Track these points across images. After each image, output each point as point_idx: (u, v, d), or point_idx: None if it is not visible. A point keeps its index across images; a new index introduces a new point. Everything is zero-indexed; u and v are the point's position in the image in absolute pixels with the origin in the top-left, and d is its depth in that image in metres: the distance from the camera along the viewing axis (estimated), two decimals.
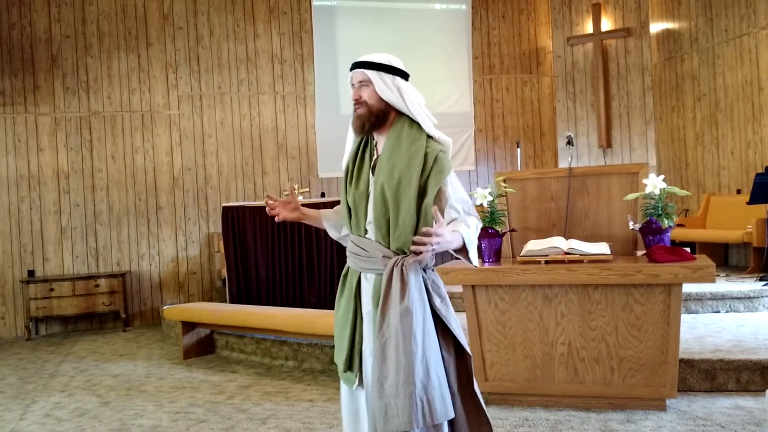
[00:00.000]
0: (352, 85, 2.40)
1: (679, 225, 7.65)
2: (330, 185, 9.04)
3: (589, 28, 9.36)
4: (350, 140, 2.51)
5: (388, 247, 2.32)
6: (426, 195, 2.28)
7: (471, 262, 2.35)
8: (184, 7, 8.68)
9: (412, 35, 9.23)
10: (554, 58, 9.59)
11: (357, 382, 2.39)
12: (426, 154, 2.30)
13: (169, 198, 8.58)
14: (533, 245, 4.10)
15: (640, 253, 4.15)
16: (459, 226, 2.27)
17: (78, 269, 8.25)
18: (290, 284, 6.51)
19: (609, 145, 9.23)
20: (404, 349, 2.16)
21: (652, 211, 3.89)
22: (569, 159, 4.72)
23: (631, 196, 4.06)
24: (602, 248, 3.97)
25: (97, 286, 7.91)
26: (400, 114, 2.38)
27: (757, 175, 6.48)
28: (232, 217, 6.72)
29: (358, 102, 2.36)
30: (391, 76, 2.37)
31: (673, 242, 4.27)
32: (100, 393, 5.21)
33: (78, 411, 4.73)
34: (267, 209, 2.60)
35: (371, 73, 2.35)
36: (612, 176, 4.36)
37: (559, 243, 3.99)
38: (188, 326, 6.23)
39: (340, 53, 9.11)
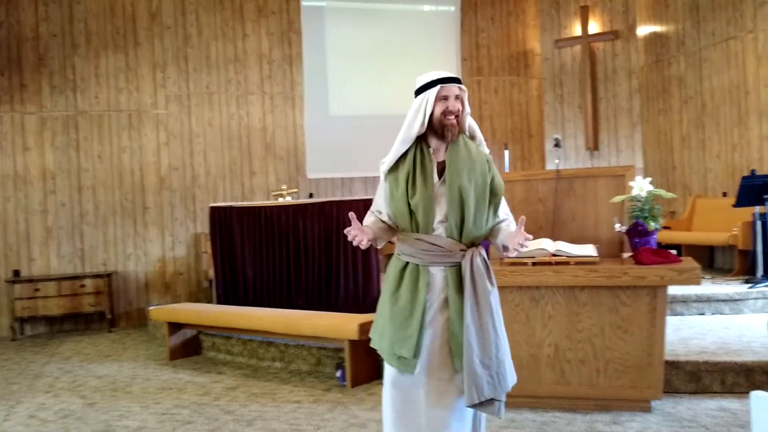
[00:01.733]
0: (445, 97, 2.61)
1: (665, 227, 7.68)
2: (318, 186, 9.03)
3: (577, 30, 9.40)
4: (398, 148, 2.63)
5: (460, 241, 2.57)
6: (496, 195, 2.62)
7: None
8: (172, 7, 8.64)
9: (401, 36, 9.22)
10: (542, 60, 9.63)
11: (417, 367, 2.57)
12: (488, 161, 2.65)
13: (156, 198, 8.54)
14: None
15: (626, 255, 4.17)
16: (512, 225, 2.67)
17: (64, 269, 8.19)
18: (277, 285, 6.49)
19: (596, 147, 9.27)
20: (498, 325, 2.56)
21: (639, 213, 3.92)
22: (556, 161, 4.75)
23: (618, 198, 4.08)
24: (589, 250, 3.99)
25: (83, 286, 7.87)
26: None
27: (743, 178, 6.52)
28: (220, 218, 6.69)
29: (455, 113, 2.61)
30: None
31: (659, 244, 4.29)
32: (85, 394, 5.17)
33: (63, 412, 4.70)
34: (349, 238, 2.55)
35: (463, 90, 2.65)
36: (599, 178, 4.37)
37: (546, 245, 4.01)
38: (174, 327, 6.20)
39: (329, 54, 9.10)
